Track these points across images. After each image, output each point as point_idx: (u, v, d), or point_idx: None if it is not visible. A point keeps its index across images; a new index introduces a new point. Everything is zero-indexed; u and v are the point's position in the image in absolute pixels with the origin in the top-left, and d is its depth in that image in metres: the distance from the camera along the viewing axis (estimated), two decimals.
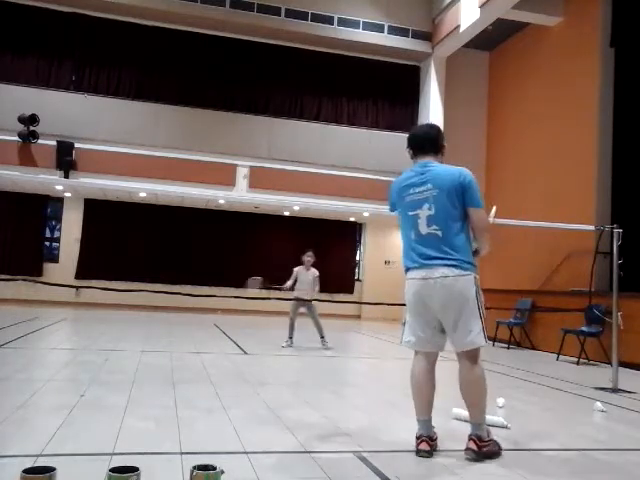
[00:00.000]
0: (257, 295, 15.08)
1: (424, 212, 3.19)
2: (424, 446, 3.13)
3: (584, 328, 8.31)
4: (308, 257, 8.33)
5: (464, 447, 3.12)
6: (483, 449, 3.08)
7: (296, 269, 8.36)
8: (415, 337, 3.26)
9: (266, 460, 2.89)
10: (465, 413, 4.00)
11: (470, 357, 3.15)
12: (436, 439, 3.23)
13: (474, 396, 3.15)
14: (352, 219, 16.34)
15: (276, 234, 15.79)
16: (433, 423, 3.24)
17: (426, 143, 3.34)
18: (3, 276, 12.09)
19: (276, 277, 15.18)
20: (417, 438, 3.19)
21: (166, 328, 9.98)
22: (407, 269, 3.29)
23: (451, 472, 2.89)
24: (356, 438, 3.41)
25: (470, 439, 3.11)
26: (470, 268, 3.16)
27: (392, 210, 3.48)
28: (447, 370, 3.91)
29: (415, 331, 3.26)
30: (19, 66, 12.89)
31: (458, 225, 3.17)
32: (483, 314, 3.15)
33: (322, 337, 8.23)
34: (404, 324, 3.38)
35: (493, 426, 3.60)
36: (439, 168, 3.26)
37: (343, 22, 13.88)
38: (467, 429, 3.20)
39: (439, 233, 3.15)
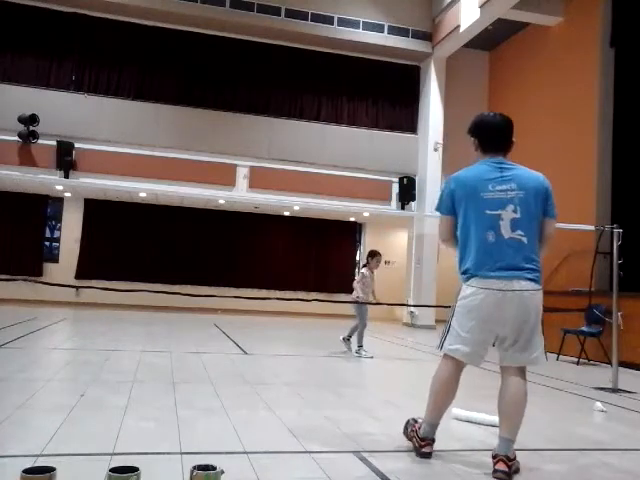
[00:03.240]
0: (257, 295, 15.11)
1: (508, 214, 2.91)
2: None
3: (584, 328, 8.32)
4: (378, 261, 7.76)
5: (491, 470, 2.83)
6: (512, 468, 2.83)
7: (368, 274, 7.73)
8: (469, 348, 2.99)
9: (266, 460, 2.89)
10: (465, 413, 4.01)
11: (522, 373, 3.00)
12: (434, 440, 3.22)
13: (518, 413, 2.91)
14: (352, 219, 16.33)
15: (276, 234, 15.80)
16: None
17: (501, 139, 3.08)
18: (3, 276, 12.09)
19: (276, 277, 15.09)
20: None
21: (166, 328, 9.97)
22: (475, 275, 2.96)
23: (451, 472, 2.89)
24: (356, 438, 3.40)
25: (499, 460, 2.82)
26: (540, 282, 2.99)
27: (446, 211, 3.08)
28: None
29: (469, 342, 2.99)
30: (19, 66, 12.89)
31: (537, 233, 2.99)
32: (542, 330, 3.03)
33: (349, 338, 7.70)
34: (448, 330, 3.09)
35: (493, 426, 3.59)
36: (521, 169, 3.03)
37: (343, 22, 13.88)
38: (467, 429, 3.18)
39: (524, 240, 2.90)
